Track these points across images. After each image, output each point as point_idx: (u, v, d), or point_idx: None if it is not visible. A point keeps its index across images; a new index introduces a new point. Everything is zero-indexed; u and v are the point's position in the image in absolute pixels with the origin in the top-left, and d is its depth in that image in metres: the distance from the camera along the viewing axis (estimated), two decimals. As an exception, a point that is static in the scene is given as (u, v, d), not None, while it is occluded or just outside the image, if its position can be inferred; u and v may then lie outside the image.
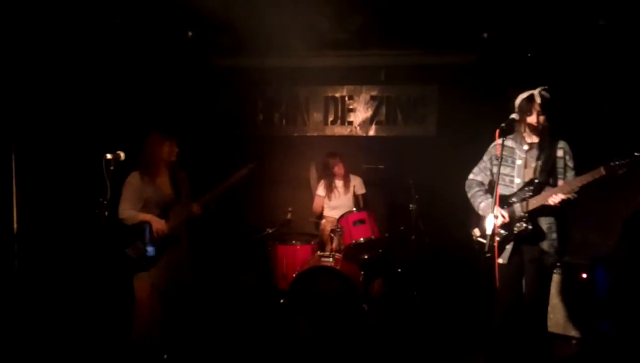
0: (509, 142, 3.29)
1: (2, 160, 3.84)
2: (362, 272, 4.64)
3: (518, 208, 3.19)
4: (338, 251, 4.68)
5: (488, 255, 3.16)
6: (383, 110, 5.94)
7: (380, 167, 5.28)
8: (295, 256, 4.88)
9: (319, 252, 4.79)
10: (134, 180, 3.48)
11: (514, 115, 3.19)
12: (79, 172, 4.11)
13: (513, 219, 3.19)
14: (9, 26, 3.83)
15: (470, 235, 3.57)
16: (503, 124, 3.10)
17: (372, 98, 5.97)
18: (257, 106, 6.06)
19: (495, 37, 5.15)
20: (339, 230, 4.69)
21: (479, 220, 3.46)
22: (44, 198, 4.07)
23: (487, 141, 3.48)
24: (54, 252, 4.11)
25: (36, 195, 3.98)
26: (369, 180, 5.39)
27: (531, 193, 3.15)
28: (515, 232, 3.19)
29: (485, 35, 5.11)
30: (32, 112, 4.01)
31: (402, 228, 4.95)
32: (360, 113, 6.00)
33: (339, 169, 5.18)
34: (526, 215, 3.15)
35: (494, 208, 3.15)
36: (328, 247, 4.95)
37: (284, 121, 6.09)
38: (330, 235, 4.85)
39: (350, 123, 6.02)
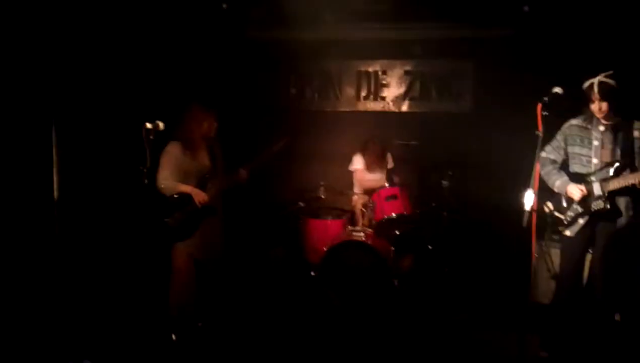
0: (581, 122, 3.41)
1: (43, 129, 3.92)
2: (393, 248, 4.63)
3: (597, 187, 3.30)
4: (369, 226, 4.68)
5: (560, 228, 3.45)
6: (417, 85, 5.83)
7: (413, 143, 5.22)
8: (326, 230, 4.90)
9: (350, 227, 4.80)
10: (174, 150, 3.52)
11: (556, 89, 3.12)
12: (118, 141, 4.18)
13: (591, 197, 3.31)
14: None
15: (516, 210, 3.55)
16: (545, 98, 3.03)
17: (406, 73, 5.86)
18: (289, 80, 6.03)
19: (535, 9, 4.99)
20: (371, 205, 4.68)
21: (552, 195, 3.55)
22: (85, 167, 4.16)
23: (525, 117, 3.40)
24: (94, 219, 4.21)
25: (76, 163, 4.07)
26: (401, 157, 5.34)
27: (611, 175, 3.26)
28: (592, 209, 3.31)
29: (526, 8, 4.96)
30: (72, 82, 4.07)
31: (434, 204, 4.91)
32: (393, 88, 5.91)
33: (377, 151, 5.12)
34: (605, 194, 3.27)
35: (569, 186, 3.35)
36: (359, 222, 4.95)
37: (316, 96, 6.05)
38: (362, 210, 4.85)
39: (383, 98, 5.94)
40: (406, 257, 4.98)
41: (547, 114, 3.05)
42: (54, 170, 3.93)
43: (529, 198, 3.18)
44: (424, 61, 5.80)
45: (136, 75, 4.59)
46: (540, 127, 3.12)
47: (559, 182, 3.45)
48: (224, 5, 5.03)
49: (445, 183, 4.81)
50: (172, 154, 3.52)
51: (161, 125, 3.02)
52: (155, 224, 3.43)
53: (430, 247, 4.99)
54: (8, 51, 3.62)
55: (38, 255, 3.84)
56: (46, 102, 3.90)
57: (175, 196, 3.50)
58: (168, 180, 3.47)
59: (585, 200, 3.33)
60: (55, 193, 3.98)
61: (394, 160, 5.23)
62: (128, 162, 3.30)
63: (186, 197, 3.51)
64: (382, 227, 4.68)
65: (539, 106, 3.04)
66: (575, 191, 3.34)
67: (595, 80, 3.23)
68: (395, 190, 4.67)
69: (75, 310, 3.79)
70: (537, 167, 3.13)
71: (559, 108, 3.31)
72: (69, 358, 3.14)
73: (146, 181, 2.92)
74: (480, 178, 5.07)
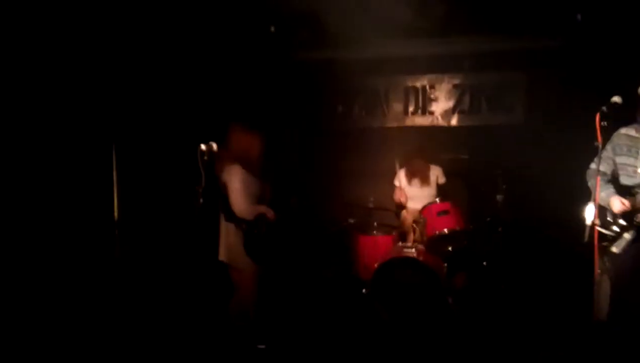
0: (631, 131, 3.22)
1: (104, 153, 4.12)
2: (446, 264, 4.54)
3: None
4: (420, 242, 4.61)
5: (605, 244, 3.20)
6: (466, 98, 5.77)
7: (463, 157, 5.14)
8: (376, 246, 4.86)
9: (400, 243, 4.75)
10: (242, 175, 3.61)
11: (615, 98, 3.00)
12: (174, 163, 4.34)
13: (635, 209, 3.10)
14: (103, 26, 4.07)
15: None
16: (604, 107, 2.93)
17: (455, 87, 5.81)
18: (336, 98, 6.08)
19: (589, 18, 4.84)
20: (421, 220, 4.62)
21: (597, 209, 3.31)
22: (143, 188, 4.34)
23: (580, 128, 3.30)
24: (153, 238, 4.37)
25: (136, 185, 4.25)
26: (452, 171, 5.25)
27: None
28: (636, 222, 3.10)
29: (579, 17, 4.82)
30: (131, 108, 4.28)
31: (488, 219, 4.79)
32: (442, 102, 5.86)
33: (418, 165, 5.06)
34: None
35: (612, 198, 3.15)
36: (410, 238, 4.88)
37: (363, 112, 6.07)
38: (412, 226, 4.79)
39: (432, 113, 5.90)
40: (459, 274, 4.86)
41: (605, 124, 2.94)
42: (115, 192, 4.12)
43: (590, 212, 3.06)
44: (473, 74, 5.73)
45: (189, 100, 4.77)
46: (600, 138, 3.02)
47: (603, 193, 3.24)
48: (272, 29, 5.14)
49: (499, 197, 4.69)
50: (241, 177, 3.59)
51: (215, 146, 3.11)
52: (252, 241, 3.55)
53: (485, 264, 4.86)
54: (71, 80, 3.85)
55: (100, 272, 4.01)
56: (107, 127, 4.11)
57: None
58: (249, 205, 3.58)
59: (629, 214, 3.11)
60: (116, 214, 4.16)
61: (445, 175, 5.14)
62: (184, 182, 3.41)
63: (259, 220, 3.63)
64: (434, 243, 4.61)
65: (598, 116, 2.94)
66: (617, 203, 3.14)
67: None
68: (447, 206, 4.59)
69: (137, 328, 3.92)
70: (598, 179, 3.01)
71: (618, 118, 3.21)
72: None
73: (201, 201, 3.01)
74: (536, 191, 4.92)
